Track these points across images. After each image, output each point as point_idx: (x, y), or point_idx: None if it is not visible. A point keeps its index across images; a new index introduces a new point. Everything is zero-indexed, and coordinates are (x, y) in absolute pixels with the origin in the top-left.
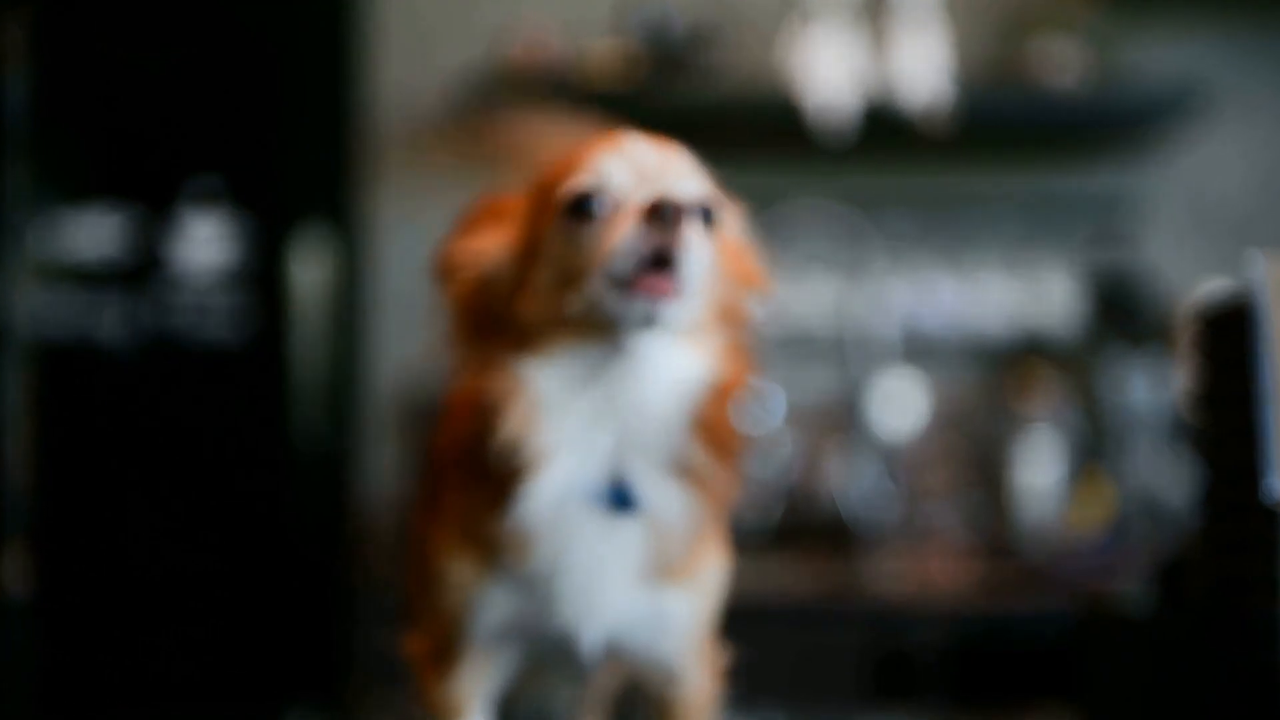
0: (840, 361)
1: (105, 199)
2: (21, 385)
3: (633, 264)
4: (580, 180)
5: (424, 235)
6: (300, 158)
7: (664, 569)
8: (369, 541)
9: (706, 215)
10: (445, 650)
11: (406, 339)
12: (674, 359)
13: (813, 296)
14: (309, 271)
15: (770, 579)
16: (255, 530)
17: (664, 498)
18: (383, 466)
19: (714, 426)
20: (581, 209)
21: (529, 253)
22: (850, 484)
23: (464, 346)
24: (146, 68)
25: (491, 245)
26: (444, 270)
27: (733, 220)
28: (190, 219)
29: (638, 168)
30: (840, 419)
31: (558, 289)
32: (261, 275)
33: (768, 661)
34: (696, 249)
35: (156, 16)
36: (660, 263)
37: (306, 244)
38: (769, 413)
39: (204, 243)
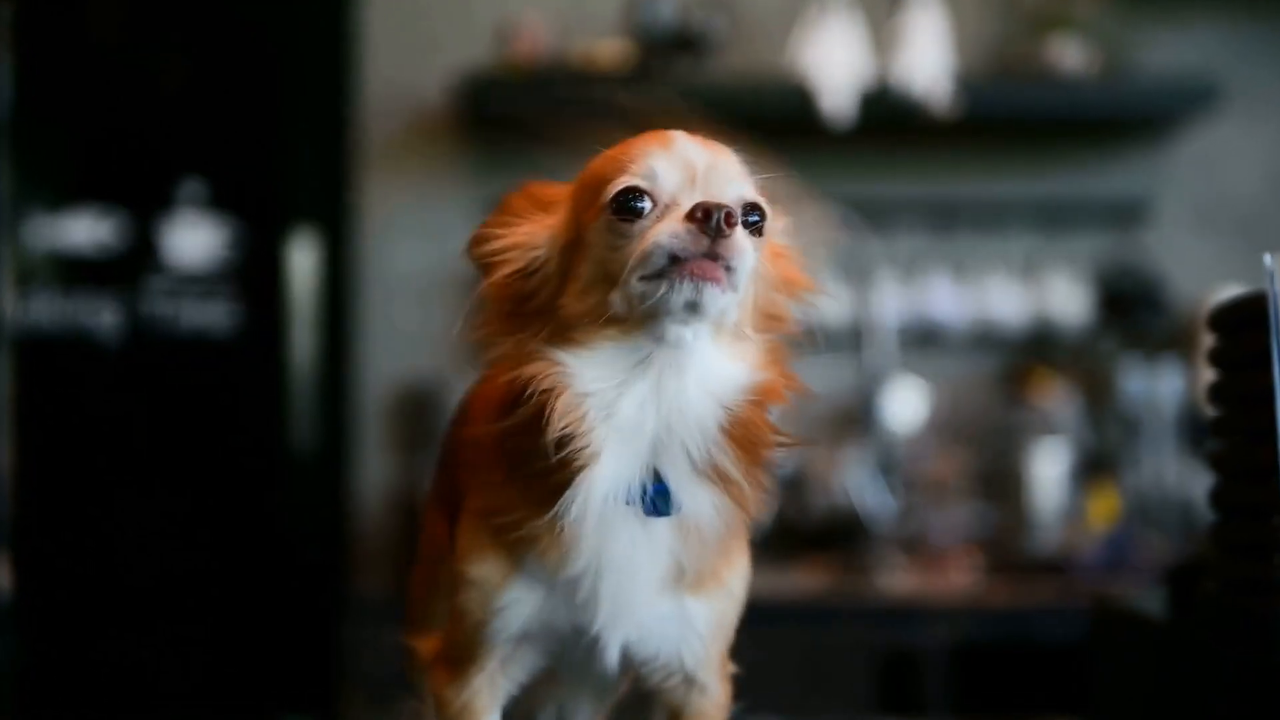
0: (848, 359)
1: (102, 198)
2: (9, 384)
3: (667, 261)
4: (628, 178)
5: (421, 234)
6: (296, 157)
7: (691, 576)
8: (364, 543)
9: (755, 218)
10: (464, 652)
11: (401, 338)
12: (715, 362)
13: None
14: (304, 271)
15: (777, 578)
16: (248, 532)
17: (697, 502)
18: (377, 466)
19: (749, 433)
20: (628, 207)
21: (572, 246)
22: (858, 483)
23: (499, 336)
24: (145, 66)
25: (534, 235)
26: (481, 255)
27: (777, 223)
28: (186, 218)
29: (687, 168)
30: (847, 417)
31: (600, 286)
32: (257, 275)
33: (775, 661)
34: (745, 254)
35: (155, 16)
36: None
37: (302, 243)
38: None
39: (199, 241)
